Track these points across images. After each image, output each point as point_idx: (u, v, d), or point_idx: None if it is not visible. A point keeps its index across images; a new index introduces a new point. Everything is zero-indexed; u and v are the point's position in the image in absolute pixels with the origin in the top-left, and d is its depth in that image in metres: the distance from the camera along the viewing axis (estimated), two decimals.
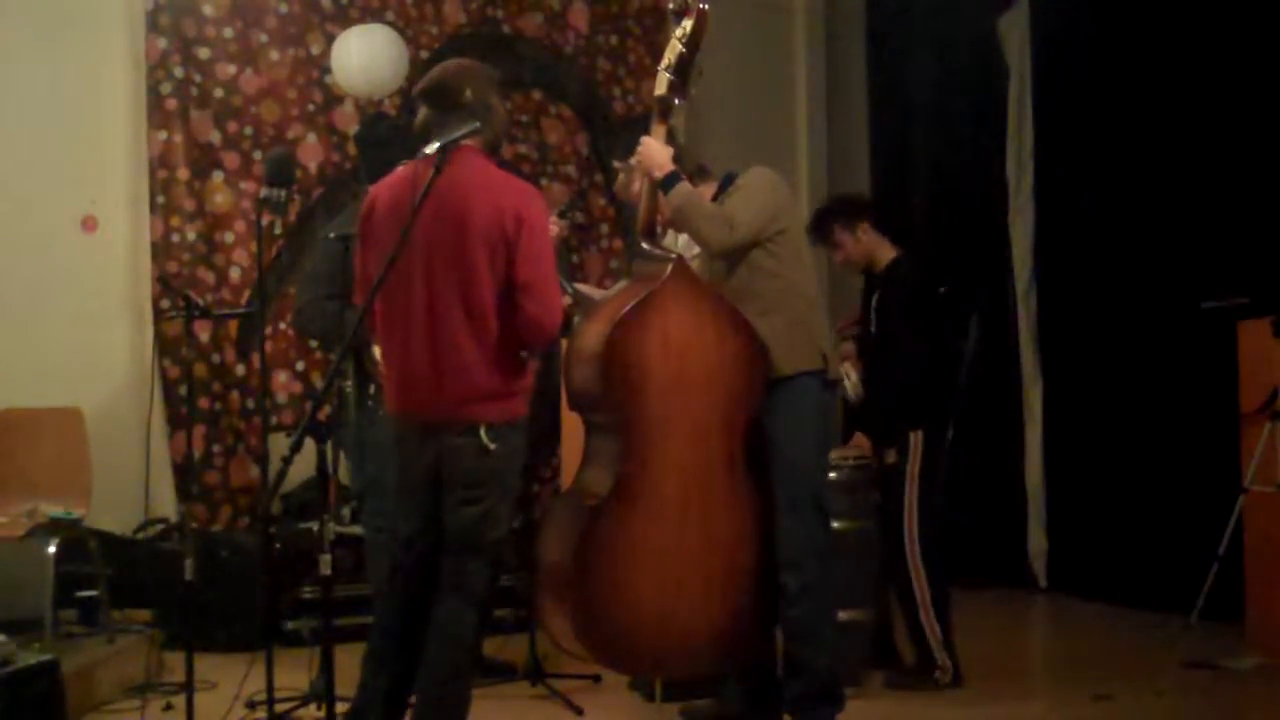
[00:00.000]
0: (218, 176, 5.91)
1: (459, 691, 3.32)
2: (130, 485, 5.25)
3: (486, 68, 3.53)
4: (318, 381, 5.91)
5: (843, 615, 4.04)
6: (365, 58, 5.62)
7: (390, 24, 6.15)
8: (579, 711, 4.20)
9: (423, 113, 3.37)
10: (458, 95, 3.30)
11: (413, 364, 3.27)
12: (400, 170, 3.40)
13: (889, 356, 4.51)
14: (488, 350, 3.23)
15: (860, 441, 4.62)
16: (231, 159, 5.94)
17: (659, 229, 3.80)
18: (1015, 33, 6.52)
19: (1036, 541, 6.40)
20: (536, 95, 6.69)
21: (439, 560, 3.31)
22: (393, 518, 3.49)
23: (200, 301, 4.71)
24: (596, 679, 4.50)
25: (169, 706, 4.22)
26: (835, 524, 3.95)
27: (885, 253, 4.58)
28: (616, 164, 4.16)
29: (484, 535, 3.29)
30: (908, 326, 4.46)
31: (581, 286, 4.56)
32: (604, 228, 6.83)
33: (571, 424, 4.30)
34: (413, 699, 3.34)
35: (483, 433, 3.22)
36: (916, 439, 4.39)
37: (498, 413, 3.26)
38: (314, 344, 5.76)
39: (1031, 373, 6.45)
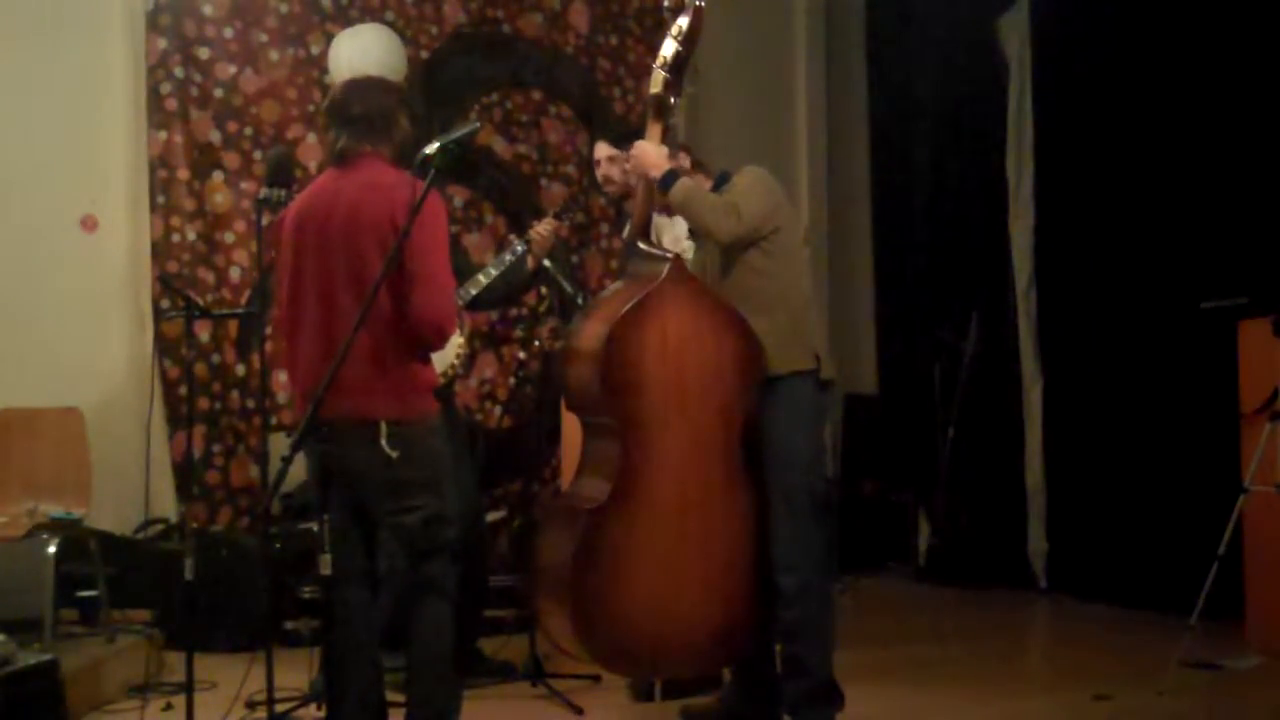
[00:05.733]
0: (218, 176, 5.91)
1: (447, 690, 3.36)
2: (130, 485, 5.25)
3: (388, 83, 3.68)
4: None
5: None
6: (355, 58, 5.63)
7: (390, 24, 6.16)
8: (579, 711, 4.20)
9: (331, 131, 3.45)
10: (348, 110, 3.37)
11: (313, 362, 3.26)
12: (319, 179, 3.47)
13: None
14: (382, 342, 3.21)
15: None
16: (231, 159, 5.94)
17: (654, 225, 3.80)
18: (1015, 33, 6.52)
19: (1036, 542, 6.39)
20: (536, 95, 6.69)
21: (374, 557, 3.37)
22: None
23: (200, 301, 4.71)
24: (596, 679, 4.50)
25: (169, 706, 4.22)
26: None
27: None
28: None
29: (435, 538, 3.32)
30: None
31: None
32: (604, 228, 6.83)
33: (570, 424, 4.30)
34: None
35: (383, 436, 3.20)
36: None
37: (397, 408, 3.23)
38: None
39: (1031, 373, 6.44)
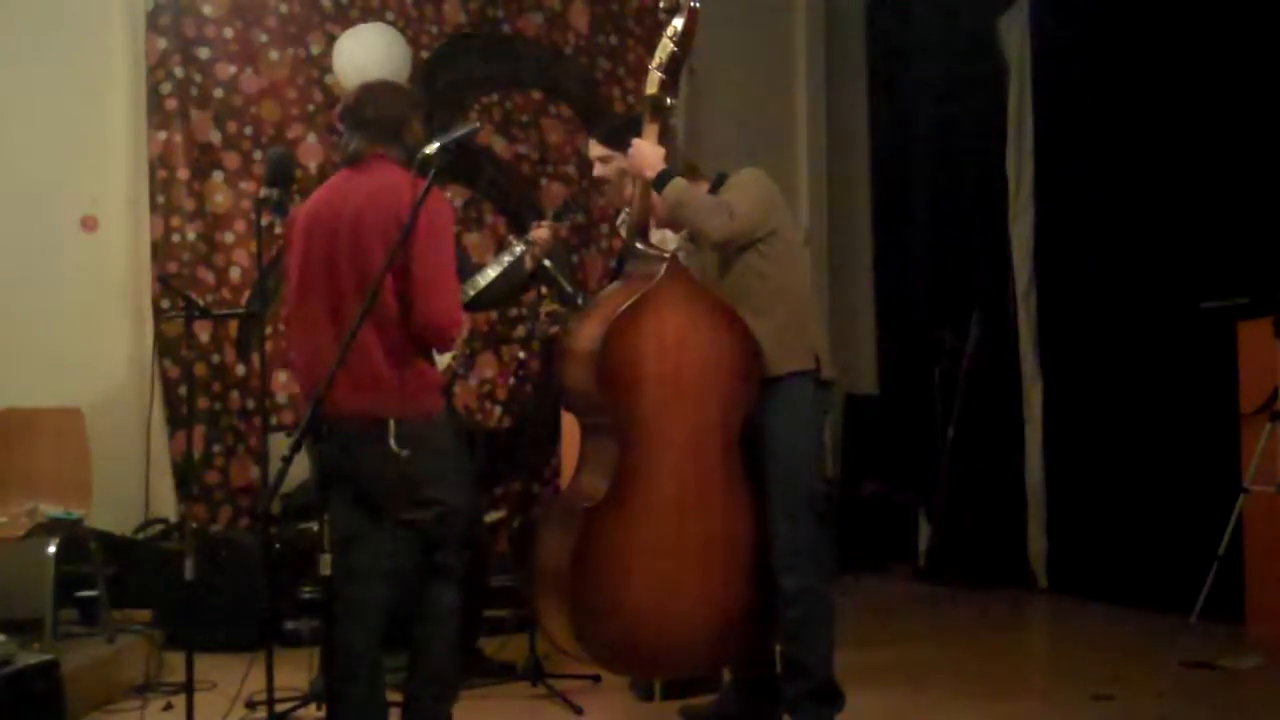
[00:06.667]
0: (218, 176, 5.91)
1: (450, 670, 3.42)
2: (130, 485, 5.26)
3: (402, 87, 3.74)
4: None
5: None
6: (359, 58, 5.63)
7: (390, 24, 6.16)
8: (579, 711, 4.20)
9: (344, 134, 3.49)
10: (360, 113, 3.41)
11: (319, 362, 3.27)
12: (330, 180, 3.50)
13: None
14: (390, 342, 3.23)
15: None
16: (231, 159, 5.94)
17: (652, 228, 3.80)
18: (1015, 32, 6.51)
19: (1036, 541, 6.40)
20: (536, 95, 6.69)
21: (377, 556, 3.37)
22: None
23: (200, 301, 4.71)
24: (596, 679, 4.50)
25: (169, 706, 4.23)
26: None
27: None
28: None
29: (448, 531, 3.37)
30: None
31: None
32: (604, 228, 6.83)
33: (570, 424, 4.30)
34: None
35: (391, 436, 3.21)
36: None
37: (405, 408, 3.25)
38: None
39: (1031, 373, 6.44)
